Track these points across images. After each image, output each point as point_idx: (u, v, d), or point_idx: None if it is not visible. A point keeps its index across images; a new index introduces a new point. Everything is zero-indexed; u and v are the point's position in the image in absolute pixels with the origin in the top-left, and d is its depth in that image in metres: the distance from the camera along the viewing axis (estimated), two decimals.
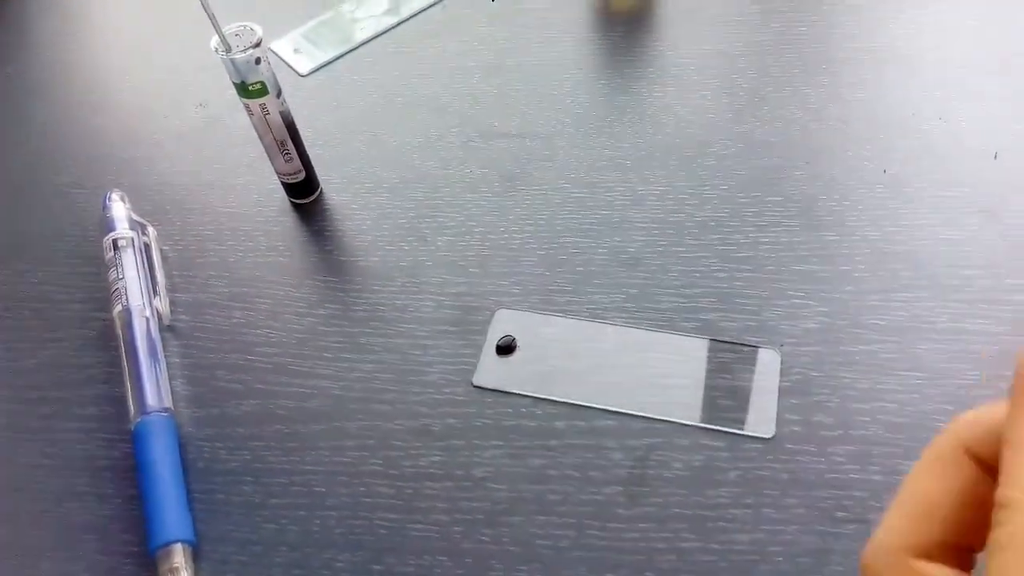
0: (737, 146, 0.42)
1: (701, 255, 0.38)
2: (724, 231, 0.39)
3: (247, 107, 0.38)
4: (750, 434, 0.32)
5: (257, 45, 0.36)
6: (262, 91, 0.37)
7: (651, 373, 0.34)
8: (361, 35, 0.51)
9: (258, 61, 0.36)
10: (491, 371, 0.36)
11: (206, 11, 0.34)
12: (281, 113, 0.39)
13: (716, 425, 0.33)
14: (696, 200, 0.40)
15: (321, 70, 0.49)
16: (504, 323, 0.37)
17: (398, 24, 0.51)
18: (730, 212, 0.39)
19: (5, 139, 0.49)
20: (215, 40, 0.36)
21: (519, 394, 0.35)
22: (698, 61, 0.46)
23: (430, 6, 0.52)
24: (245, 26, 0.36)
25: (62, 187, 0.46)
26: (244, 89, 0.37)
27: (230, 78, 0.37)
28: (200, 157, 0.46)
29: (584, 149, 0.43)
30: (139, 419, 0.35)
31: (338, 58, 0.50)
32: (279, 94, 0.38)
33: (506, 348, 0.36)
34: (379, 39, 0.51)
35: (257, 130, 0.39)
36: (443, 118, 0.46)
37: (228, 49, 0.35)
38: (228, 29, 0.36)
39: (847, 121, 0.42)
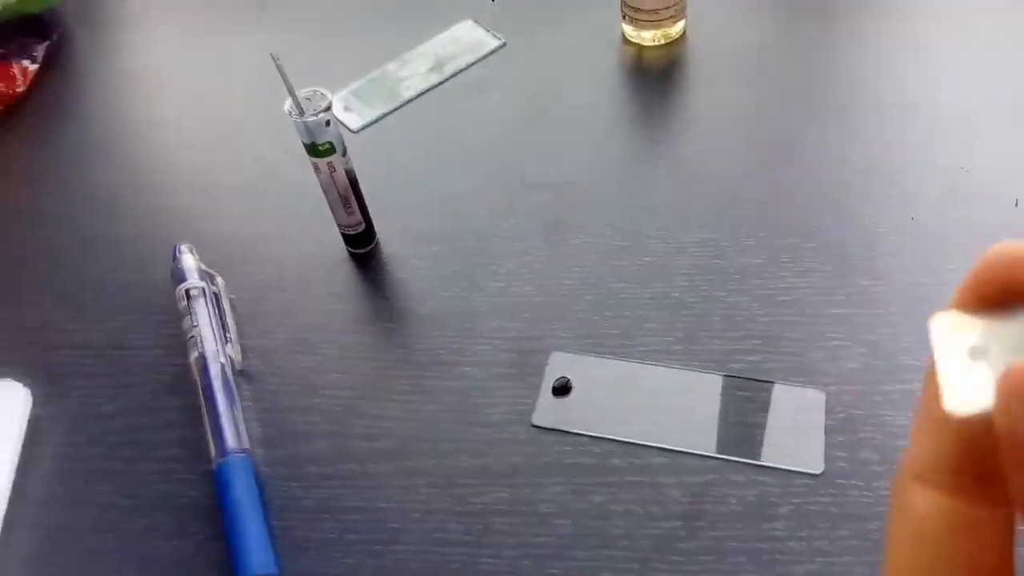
0: (769, 194, 0.44)
1: (743, 299, 0.40)
2: (764, 276, 0.41)
3: (315, 165, 0.41)
4: (800, 470, 0.34)
5: (327, 109, 0.39)
6: (330, 151, 0.40)
7: (703, 412, 0.37)
8: (407, 93, 0.54)
9: (328, 123, 0.39)
10: (549, 411, 0.38)
11: (284, 79, 0.37)
12: (346, 170, 0.41)
13: (767, 462, 0.35)
14: (735, 247, 0.43)
15: (371, 126, 0.52)
16: (559, 365, 0.39)
17: (442, 82, 0.54)
18: (768, 258, 0.42)
19: (74, 194, 0.51)
20: (288, 104, 0.39)
21: (576, 433, 0.37)
22: (726, 112, 0.49)
23: (471, 64, 0.55)
24: (315, 91, 0.39)
25: (130, 239, 0.48)
26: (314, 149, 0.40)
27: (300, 139, 0.40)
28: (259, 209, 0.49)
29: (624, 198, 0.46)
30: (220, 460, 0.37)
31: (386, 115, 0.53)
32: (344, 152, 0.41)
33: (562, 389, 0.38)
34: (424, 96, 0.54)
35: (323, 186, 0.42)
36: (490, 169, 0.49)
37: (301, 112, 0.38)
38: (300, 94, 0.39)
39: (872, 169, 0.45)
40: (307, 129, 0.39)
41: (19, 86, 0.58)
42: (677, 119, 0.49)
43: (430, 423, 0.38)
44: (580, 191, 0.47)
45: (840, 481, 0.34)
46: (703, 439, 0.36)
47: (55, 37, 0.62)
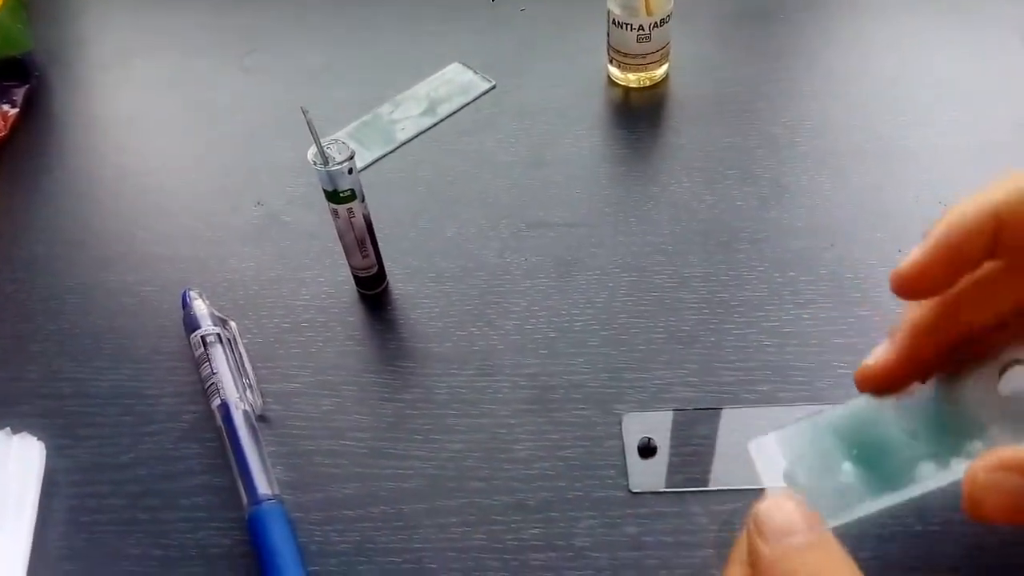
0: (767, 231, 0.47)
1: (750, 331, 0.42)
2: (768, 308, 0.43)
3: (335, 211, 0.41)
4: None
5: (351, 158, 0.39)
6: (351, 197, 0.41)
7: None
8: (402, 135, 0.55)
9: (350, 171, 0.40)
10: (642, 474, 0.38)
11: (311, 131, 0.38)
12: (364, 215, 0.42)
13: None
14: (737, 281, 0.45)
15: (368, 168, 0.53)
16: (634, 425, 0.39)
17: (436, 124, 0.56)
18: (769, 291, 0.44)
19: (68, 241, 0.51)
20: (312, 153, 0.39)
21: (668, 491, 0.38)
22: (718, 153, 0.52)
23: (464, 106, 0.57)
24: (336, 140, 0.40)
25: (131, 286, 0.48)
26: (335, 196, 0.40)
27: (322, 186, 0.40)
28: (265, 253, 0.49)
29: (627, 235, 0.48)
30: (253, 507, 0.37)
31: (383, 157, 0.54)
32: (363, 199, 0.42)
33: (648, 450, 0.39)
34: (419, 138, 0.55)
35: (340, 230, 0.42)
36: (492, 210, 0.50)
37: (326, 162, 0.39)
38: (326, 142, 0.39)
39: (861, 207, 0.47)
40: (330, 177, 0.39)
41: (0, 131, 0.57)
42: (669, 159, 0.52)
43: (457, 461, 0.39)
44: (583, 230, 0.48)
45: None
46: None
47: (33, 81, 0.61)
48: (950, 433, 0.27)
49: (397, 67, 0.60)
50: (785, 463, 0.29)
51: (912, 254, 0.28)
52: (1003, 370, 0.28)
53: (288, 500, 0.38)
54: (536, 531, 0.37)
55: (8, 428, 0.40)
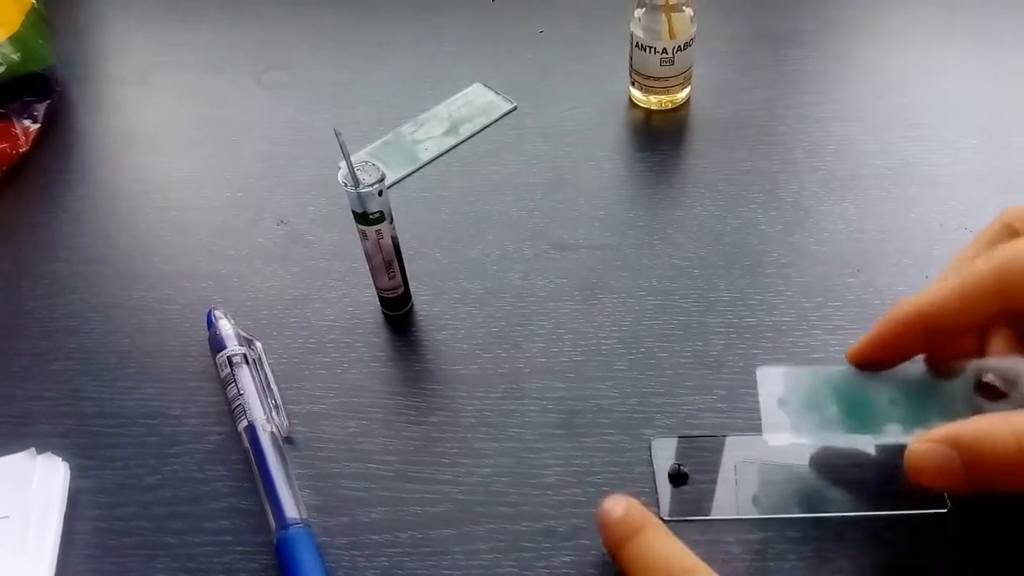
0: (792, 255, 0.47)
1: (779, 357, 0.42)
2: (795, 334, 0.43)
3: (363, 233, 0.41)
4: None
5: (381, 180, 0.39)
6: (380, 219, 0.41)
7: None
8: (425, 155, 0.55)
9: (380, 193, 0.40)
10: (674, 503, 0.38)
11: (343, 153, 0.38)
12: (392, 237, 0.42)
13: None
14: (764, 306, 0.45)
15: (392, 188, 0.53)
16: (663, 451, 0.39)
17: (458, 144, 0.56)
18: (797, 317, 0.44)
19: (89, 259, 0.51)
20: (343, 174, 0.39)
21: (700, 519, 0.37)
22: (741, 176, 0.52)
23: (485, 127, 0.57)
24: (367, 162, 0.40)
25: (155, 304, 0.48)
26: (364, 218, 0.40)
27: (351, 207, 0.40)
28: (289, 273, 0.49)
29: (651, 259, 0.48)
30: (281, 532, 0.36)
31: (406, 177, 0.54)
32: (391, 220, 0.41)
33: (679, 477, 0.38)
34: (442, 158, 0.55)
35: (368, 252, 0.42)
36: (515, 232, 0.50)
37: (357, 184, 0.39)
38: (356, 164, 0.39)
39: (886, 232, 0.48)
40: (360, 199, 0.39)
41: (22, 146, 0.57)
42: (692, 182, 0.52)
43: (486, 486, 0.39)
44: (607, 252, 0.48)
45: (889, 534, 0.36)
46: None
47: (55, 96, 0.61)
48: (922, 409, 0.33)
49: (417, 86, 0.60)
50: (783, 391, 0.35)
51: (861, 341, 0.35)
52: (981, 375, 0.33)
53: (314, 523, 0.38)
54: (567, 559, 0.36)
55: (33, 448, 0.40)
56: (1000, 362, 0.33)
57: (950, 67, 0.58)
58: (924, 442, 0.30)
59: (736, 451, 0.39)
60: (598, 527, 0.34)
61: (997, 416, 0.29)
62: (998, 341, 0.33)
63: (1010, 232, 0.34)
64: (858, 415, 0.34)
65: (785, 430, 0.35)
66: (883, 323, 0.34)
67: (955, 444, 0.29)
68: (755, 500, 0.37)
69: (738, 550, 0.36)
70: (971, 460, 0.29)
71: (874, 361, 0.35)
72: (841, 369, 0.36)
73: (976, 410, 0.33)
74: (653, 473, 0.38)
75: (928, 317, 0.33)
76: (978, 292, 0.31)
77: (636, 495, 0.37)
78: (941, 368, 0.34)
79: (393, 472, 0.40)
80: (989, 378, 0.33)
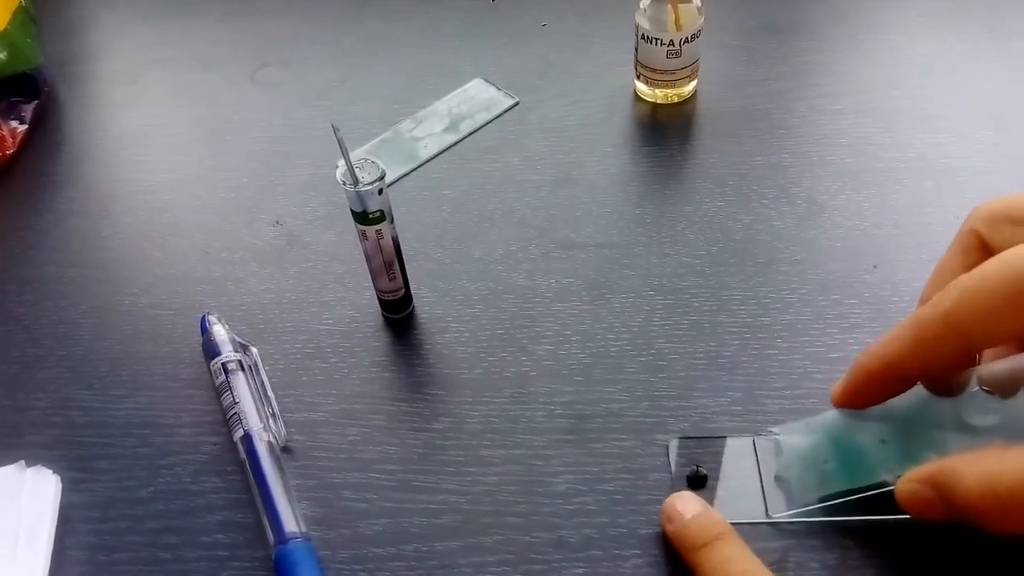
0: (806, 252, 0.45)
1: (795, 357, 0.41)
2: (812, 333, 0.42)
3: (363, 233, 0.40)
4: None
5: (381, 178, 0.38)
6: (380, 218, 0.39)
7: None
8: (425, 152, 0.53)
9: (380, 192, 0.38)
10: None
11: (342, 150, 0.36)
12: (392, 237, 0.40)
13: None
14: (779, 304, 0.43)
15: (391, 186, 0.51)
16: (679, 451, 0.38)
17: (459, 141, 0.54)
18: (813, 315, 0.42)
19: (79, 263, 0.49)
20: (341, 172, 0.38)
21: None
22: (751, 171, 0.50)
23: (487, 123, 0.55)
24: (366, 160, 0.38)
25: (147, 309, 0.46)
26: (364, 217, 0.39)
27: (350, 207, 0.39)
28: (286, 275, 0.47)
29: (660, 257, 0.46)
30: (279, 546, 0.35)
31: (406, 175, 0.52)
32: (392, 219, 0.40)
33: (697, 480, 0.37)
34: (443, 156, 0.53)
35: (368, 252, 0.41)
36: (520, 230, 0.48)
37: (356, 183, 0.37)
38: (355, 162, 0.38)
39: (901, 226, 0.46)
40: (359, 198, 0.38)
41: (9, 148, 0.56)
42: (701, 177, 0.50)
43: (492, 495, 0.37)
44: (615, 251, 0.47)
45: (914, 537, 0.34)
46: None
47: (43, 97, 0.59)
48: (913, 445, 0.33)
49: (416, 82, 0.59)
50: (784, 455, 0.36)
51: (840, 384, 0.34)
52: (965, 392, 0.32)
53: (314, 537, 0.36)
54: (579, 571, 0.35)
55: (22, 460, 0.38)
56: (996, 368, 0.31)
57: (962, 58, 0.56)
58: (907, 482, 0.31)
59: (749, 452, 0.37)
60: (664, 521, 0.34)
61: (968, 457, 0.29)
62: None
63: (976, 239, 0.33)
64: (855, 464, 0.34)
65: (785, 503, 0.35)
66: (852, 373, 0.33)
67: (932, 485, 0.30)
68: (779, 497, 0.36)
69: (760, 558, 0.34)
70: (947, 500, 0.29)
71: (859, 405, 0.34)
72: (833, 414, 0.35)
73: (968, 434, 0.31)
74: (669, 480, 0.37)
75: (892, 369, 0.32)
76: (931, 341, 0.30)
77: (652, 503, 0.36)
78: (940, 388, 0.33)
79: (396, 482, 0.38)
80: (986, 390, 0.32)
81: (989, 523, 0.28)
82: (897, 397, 0.33)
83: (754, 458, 0.37)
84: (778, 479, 0.36)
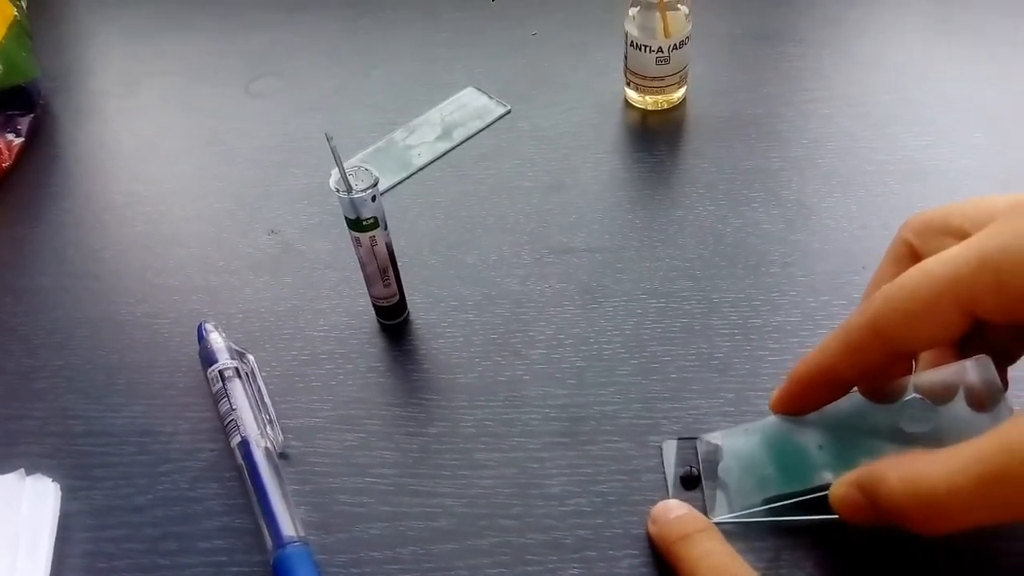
0: (796, 254, 0.46)
1: (786, 358, 0.41)
2: (802, 334, 0.42)
3: (357, 240, 0.40)
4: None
5: (374, 185, 0.38)
6: (374, 225, 0.39)
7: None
8: (418, 161, 0.54)
9: (374, 199, 0.39)
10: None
11: (334, 155, 0.37)
12: (386, 244, 0.41)
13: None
14: (769, 306, 0.44)
15: (384, 195, 0.52)
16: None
17: (451, 149, 0.55)
18: (803, 316, 0.43)
19: (75, 273, 0.49)
20: (335, 180, 0.38)
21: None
22: (741, 175, 0.51)
23: (479, 131, 0.56)
24: (359, 167, 0.39)
25: (143, 318, 0.47)
26: (358, 224, 0.39)
27: (344, 214, 0.39)
28: (281, 283, 0.48)
29: (652, 261, 0.47)
30: (277, 551, 0.35)
31: (399, 183, 0.53)
32: (386, 226, 0.40)
33: (690, 480, 0.37)
34: (436, 164, 0.54)
35: (362, 259, 0.41)
36: (513, 236, 0.49)
37: (349, 190, 0.38)
38: (348, 169, 0.38)
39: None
40: (353, 205, 0.38)
41: (5, 161, 0.56)
42: (691, 182, 0.51)
43: (487, 498, 0.38)
44: (610, 256, 0.47)
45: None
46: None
47: (38, 109, 0.60)
48: (849, 450, 0.33)
49: (409, 92, 0.59)
50: (725, 459, 0.37)
51: (778, 391, 0.35)
52: (902, 399, 0.32)
53: (312, 541, 0.37)
54: (574, 572, 0.35)
55: (22, 469, 0.39)
56: (931, 376, 0.32)
57: (949, 62, 0.57)
58: (839, 486, 0.31)
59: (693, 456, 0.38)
60: (649, 522, 0.35)
61: (894, 460, 0.29)
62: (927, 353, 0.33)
63: (907, 249, 0.33)
64: (792, 468, 0.34)
65: (726, 505, 0.36)
66: (788, 380, 0.34)
67: (859, 488, 0.30)
68: (720, 500, 0.36)
69: (751, 558, 0.34)
70: (874, 503, 0.29)
71: (796, 411, 0.35)
72: (771, 420, 0.36)
73: (902, 441, 0.32)
74: (664, 480, 0.37)
75: (825, 375, 0.33)
76: (859, 347, 0.31)
77: (645, 504, 0.36)
78: (877, 395, 0.33)
79: (392, 486, 0.38)
80: (921, 398, 0.32)
81: (913, 525, 0.28)
82: (835, 404, 0.33)
83: (696, 462, 0.38)
84: (718, 482, 0.36)
